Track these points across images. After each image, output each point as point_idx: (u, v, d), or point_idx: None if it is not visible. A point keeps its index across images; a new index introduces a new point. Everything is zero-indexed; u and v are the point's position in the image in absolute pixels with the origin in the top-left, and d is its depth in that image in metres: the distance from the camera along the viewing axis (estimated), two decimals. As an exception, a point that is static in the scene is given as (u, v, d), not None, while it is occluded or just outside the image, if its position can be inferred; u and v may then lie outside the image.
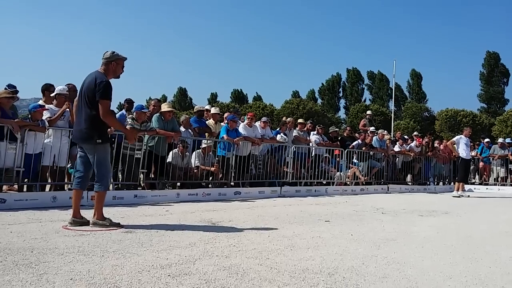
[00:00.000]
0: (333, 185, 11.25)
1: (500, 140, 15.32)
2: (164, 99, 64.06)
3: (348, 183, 11.69)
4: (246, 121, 9.94)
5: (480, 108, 52.28)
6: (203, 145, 8.82)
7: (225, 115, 10.63)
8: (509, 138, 16.07)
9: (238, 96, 65.72)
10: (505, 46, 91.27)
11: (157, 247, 3.67)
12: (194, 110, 10.68)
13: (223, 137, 9.11)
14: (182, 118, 9.57)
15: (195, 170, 8.60)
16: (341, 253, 3.73)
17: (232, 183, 9.36)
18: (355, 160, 12.07)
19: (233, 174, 9.23)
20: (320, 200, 9.03)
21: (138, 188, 7.97)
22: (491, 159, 14.78)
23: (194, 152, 8.73)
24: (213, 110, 10.46)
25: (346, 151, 11.64)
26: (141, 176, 7.93)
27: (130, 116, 7.83)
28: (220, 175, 9.10)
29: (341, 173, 11.54)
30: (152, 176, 8.21)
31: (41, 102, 7.24)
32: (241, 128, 9.63)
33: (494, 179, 14.83)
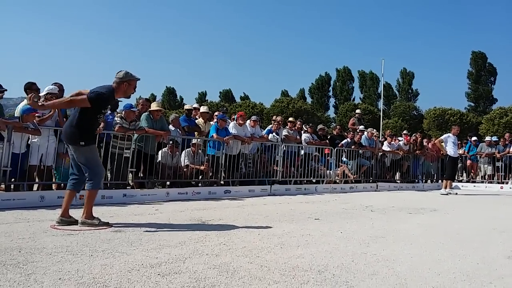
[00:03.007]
0: (322, 183, 11.30)
1: (487, 138, 15.52)
2: (153, 98, 63.97)
3: (337, 181, 11.76)
4: (236, 120, 9.94)
5: (467, 106, 52.97)
6: (194, 141, 8.83)
7: (215, 114, 10.62)
8: (495, 137, 16.31)
9: (227, 96, 65.68)
10: (492, 45, 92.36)
11: (147, 246, 3.65)
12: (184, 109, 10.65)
13: (212, 136, 9.10)
14: (171, 117, 9.53)
15: (185, 169, 8.58)
16: (331, 251, 3.75)
17: (222, 182, 9.35)
18: (344, 159, 12.14)
19: (223, 173, 9.23)
20: (310, 198, 9.06)
21: (127, 187, 7.93)
22: (478, 157, 14.98)
23: (183, 151, 8.71)
24: (202, 109, 10.46)
25: (335, 150, 11.70)
26: (130, 175, 7.89)
27: (118, 115, 7.78)
28: (210, 174, 9.09)
29: (331, 171, 11.60)
30: (141, 175, 8.16)
31: (26, 102, 7.15)
32: (231, 127, 9.63)
33: (481, 176, 15.04)
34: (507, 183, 14.24)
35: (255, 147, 10.25)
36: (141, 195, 7.43)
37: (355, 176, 12.13)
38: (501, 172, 14.44)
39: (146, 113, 8.25)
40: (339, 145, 12.09)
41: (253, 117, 10.72)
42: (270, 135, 10.71)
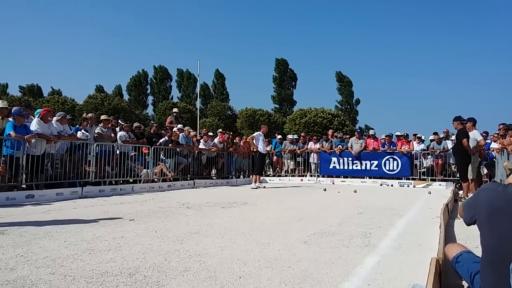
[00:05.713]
0: (140, 182, 11.04)
1: (289, 136, 17.52)
2: None
3: (155, 180, 11.64)
4: (39, 116, 8.93)
5: (273, 108, 58.45)
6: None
7: (13, 109, 9.32)
8: (296, 135, 18.48)
9: (32, 90, 58.71)
10: (292, 53, 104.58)
11: None
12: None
13: (9, 134, 7.99)
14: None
15: (-26, 173, 7.33)
16: (144, 252, 3.67)
17: (24, 186, 8.30)
18: (162, 157, 12.10)
19: (24, 176, 8.19)
20: (126, 198, 8.74)
21: None
22: (282, 153, 16.74)
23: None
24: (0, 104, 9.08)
25: (153, 148, 11.56)
26: None
27: None
28: (8, 177, 7.97)
29: (148, 170, 11.42)
30: None
31: None
32: (34, 124, 8.62)
33: (285, 171, 16.83)
34: (305, 176, 16.28)
35: (64, 146, 9.39)
36: None
37: (173, 174, 12.20)
38: (301, 166, 16.45)
39: None
40: (157, 143, 12.00)
41: (61, 114, 9.80)
42: (79, 132, 9.96)
